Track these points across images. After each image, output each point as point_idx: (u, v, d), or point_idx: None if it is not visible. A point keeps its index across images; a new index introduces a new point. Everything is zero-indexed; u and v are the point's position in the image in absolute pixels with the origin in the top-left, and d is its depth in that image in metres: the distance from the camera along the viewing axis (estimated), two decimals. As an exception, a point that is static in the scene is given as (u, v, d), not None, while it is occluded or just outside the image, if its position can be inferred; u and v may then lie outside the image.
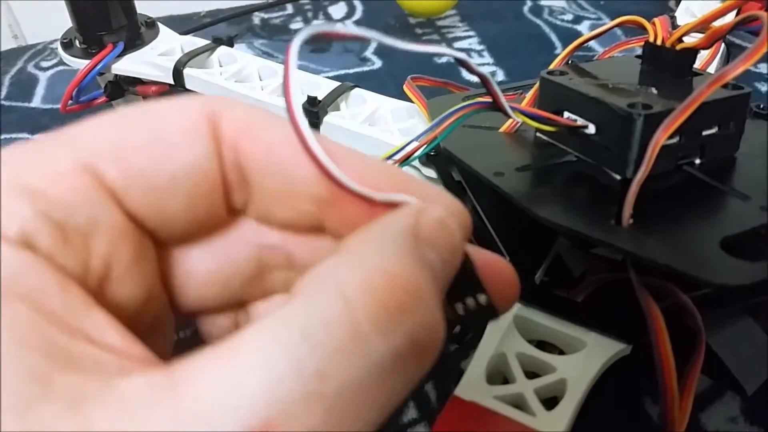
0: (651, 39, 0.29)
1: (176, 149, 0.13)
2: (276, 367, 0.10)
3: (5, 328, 0.10)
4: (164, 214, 0.13)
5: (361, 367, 0.10)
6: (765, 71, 0.54)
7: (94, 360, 0.10)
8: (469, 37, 0.63)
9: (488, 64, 0.58)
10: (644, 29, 0.30)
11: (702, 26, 0.29)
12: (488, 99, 0.23)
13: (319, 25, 0.13)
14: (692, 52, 0.29)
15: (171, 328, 0.15)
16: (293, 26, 0.67)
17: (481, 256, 0.14)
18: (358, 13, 0.70)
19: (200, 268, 0.15)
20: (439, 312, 0.11)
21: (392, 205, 0.13)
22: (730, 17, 0.33)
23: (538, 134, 0.29)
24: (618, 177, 0.25)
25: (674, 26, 0.39)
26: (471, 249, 0.14)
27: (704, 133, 0.26)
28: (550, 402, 0.23)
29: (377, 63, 0.59)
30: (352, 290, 0.10)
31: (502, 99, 0.22)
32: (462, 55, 0.16)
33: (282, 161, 0.13)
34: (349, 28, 0.14)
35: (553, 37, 0.62)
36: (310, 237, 0.15)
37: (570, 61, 0.33)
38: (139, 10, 0.46)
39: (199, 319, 0.16)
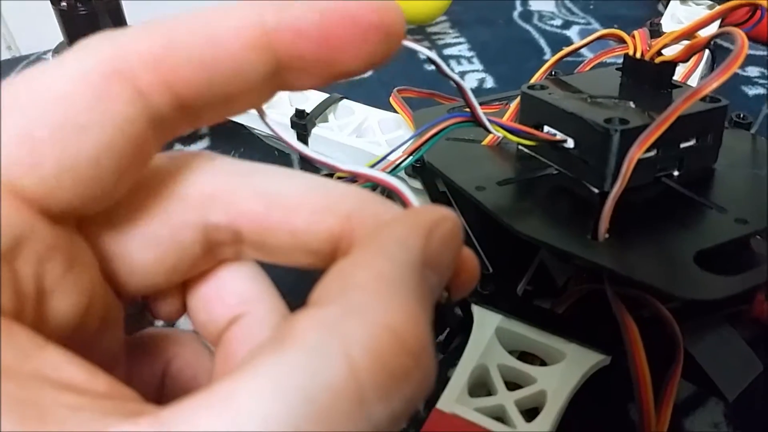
0: (630, 52, 0.30)
1: (92, 128, 0.11)
2: (273, 428, 0.09)
3: None
4: (94, 193, 0.12)
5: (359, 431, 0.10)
6: (753, 75, 0.55)
7: (67, 407, 0.09)
8: (460, 43, 0.63)
9: (478, 70, 0.58)
10: (624, 42, 0.31)
11: (682, 38, 0.29)
12: (469, 112, 0.23)
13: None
14: (671, 65, 0.29)
15: (120, 316, 0.14)
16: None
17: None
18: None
19: (144, 259, 0.14)
20: (434, 356, 0.11)
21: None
22: (711, 28, 0.33)
23: (519, 147, 0.29)
24: (596, 190, 0.26)
25: (659, 33, 0.40)
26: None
27: (682, 145, 0.26)
28: (531, 413, 0.24)
29: (368, 71, 0.59)
30: (358, 351, 0.10)
31: (479, 109, 0.22)
32: (435, 57, 0.16)
33: (212, 56, 0.12)
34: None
35: (543, 43, 0.63)
36: (261, 209, 0.14)
37: (553, 73, 0.34)
38: (130, 20, 0.46)
39: (149, 299, 0.15)
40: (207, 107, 0.13)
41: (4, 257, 0.11)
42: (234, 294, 0.15)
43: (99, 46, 0.12)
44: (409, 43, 0.14)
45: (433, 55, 0.16)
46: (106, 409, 0.10)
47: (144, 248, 0.14)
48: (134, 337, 0.16)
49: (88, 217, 0.13)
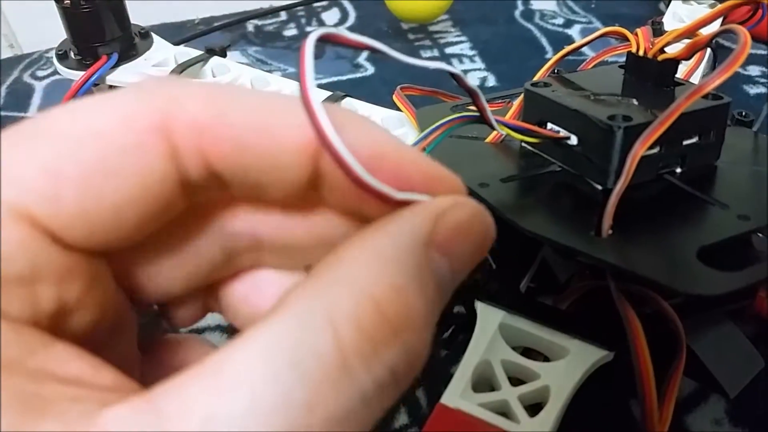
0: (633, 50, 0.30)
1: (118, 176, 0.11)
2: (263, 397, 0.09)
3: None
4: (112, 239, 0.12)
5: (346, 397, 0.10)
6: (754, 74, 0.55)
7: (69, 399, 0.10)
8: (461, 42, 0.63)
9: (480, 69, 0.58)
10: (627, 40, 0.31)
11: (684, 35, 0.29)
12: (475, 112, 0.23)
13: (328, 29, 0.12)
14: (674, 62, 0.29)
15: (133, 323, 0.14)
16: (287, 33, 0.68)
17: (423, 167, 0.13)
18: (351, 19, 0.71)
19: (163, 267, 0.14)
20: (426, 337, 0.11)
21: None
22: (713, 26, 0.33)
23: (523, 144, 0.29)
24: (599, 187, 0.26)
25: (660, 32, 0.40)
26: (413, 156, 0.13)
27: (684, 142, 0.26)
28: (535, 408, 0.24)
29: (370, 69, 0.59)
30: (341, 319, 0.10)
31: (489, 113, 0.23)
32: (456, 70, 0.16)
33: (259, 152, 0.12)
34: (357, 36, 0.13)
35: (544, 42, 0.63)
36: (279, 216, 0.14)
37: (556, 71, 0.34)
38: (133, 18, 0.46)
39: (165, 307, 0.15)
40: (238, 187, 0.13)
41: (22, 281, 0.11)
42: (271, 283, 0.15)
43: (152, 93, 0.12)
44: (423, 63, 0.15)
45: (456, 70, 0.16)
46: (108, 400, 0.10)
47: (162, 258, 0.14)
48: (145, 345, 0.16)
49: None
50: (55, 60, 0.45)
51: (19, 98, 0.57)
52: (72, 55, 0.44)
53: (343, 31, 0.13)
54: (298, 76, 0.12)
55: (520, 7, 0.71)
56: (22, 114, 0.55)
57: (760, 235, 0.26)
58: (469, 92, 0.19)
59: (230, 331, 0.33)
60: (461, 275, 0.12)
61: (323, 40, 0.12)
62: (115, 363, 0.12)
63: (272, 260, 0.15)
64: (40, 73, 0.62)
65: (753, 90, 0.53)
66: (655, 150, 0.25)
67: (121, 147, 0.11)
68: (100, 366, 0.11)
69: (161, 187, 0.12)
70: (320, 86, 0.46)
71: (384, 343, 0.11)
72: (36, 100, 0.57)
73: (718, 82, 0.23)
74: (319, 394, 0.10)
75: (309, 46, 0.12)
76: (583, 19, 0.67)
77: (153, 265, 0.14)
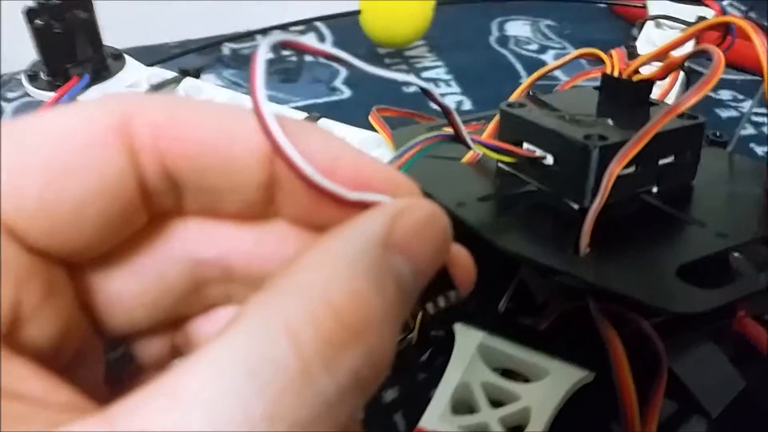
0: (608, 71, 0.30)
1: (79, 172, 0.11)
2: (222, 410, 0.09)
3: None
4: (73, 242, 0.12)
5: (309, 405, 0.10)
6: (725, 98, 0.56)
7: (18, 417, 0.09)
8: (437, 67, 0.64)
9: (456, 93, 0.58)
10: (602, 61, 0.31)
11: (658, 57, 0.29)
12: (451, 131, 0.23)
13: (284, 34, 0.13)
14: (648, 83, 0.29)
15: (99, 355, 0.14)
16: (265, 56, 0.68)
17: (380, 172, 0.13)
18: (328, 43, 0.71)
19: (125, 290, 0.13)
20: (389, 339, 0.11)
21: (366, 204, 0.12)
22: (687, 47, 0.34)
23: (499, 164, 0.29)
24: (576, 206, 0.26)
25: (634, 55, 0.40)
26: None
27: (660, 162, 0.27)
28: (516, 430, 0.23)
29: (346, 92, 0.59)
30: (298, 324, 0.10)
31: (464, 131, 0.22)
32: (427, 86, 0.16)
33: (215, 154, 0.12)
34: (316, 43, 0.13)
35: (519, 67, 0.64)
36: (250, 244, 0.14)
37: (531, 92, 0.34)
38: (108, 40, 0.46)
39: (131, 341, 0.15)
40: (194, 193, 0.13)
41: None
42: None
43: (112, 100, 0.12)
44: (395, 75, 0.15)
45: (427, 85, 0.16)
46: (61, 420, 0.09)
47: (125, 279, 0.13)
48: (113, 382, 0.15)
49: None
50: (24, 80, 0.44)
51: (-12, 121, 0.56)
52: (42, 75, 0.44)
53: (299, 38, 0.13)
54: (249, 87, 0.12)
55: (495, 33, 0.72)
56: (-10, 137, 0.54)
57: (737, 254, 0.26)
58: (442, 108, 0.18)
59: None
60: (424, 276, 0.12)
61: (282, 47, 0.13)
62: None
63: (244, 294, 0.14)
64: (9, 95, 0.61)
65: (725, 113, 0.54)
66: (632, 169, 0.25)
67: (81, 145, 0.12)
68: (57, 384, 0.10)
69: (120, 187, 0.12)
70: (296, 108, 0.46)
71: (344, 347, 0.10)
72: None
73: (693, 101, 0.23)
74: (280, 405, 0.09)
75: (262, 52, 0.12)
76: (557, 45, 0.68)
77: (116, 286, 0.13)
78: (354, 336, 0.10)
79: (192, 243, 0.14)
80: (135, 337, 0.15)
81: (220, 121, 0.12)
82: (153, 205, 0.13)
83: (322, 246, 0.11)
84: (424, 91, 0.17)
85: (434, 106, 0.45)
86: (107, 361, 0.14)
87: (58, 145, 0.11)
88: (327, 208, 0.13)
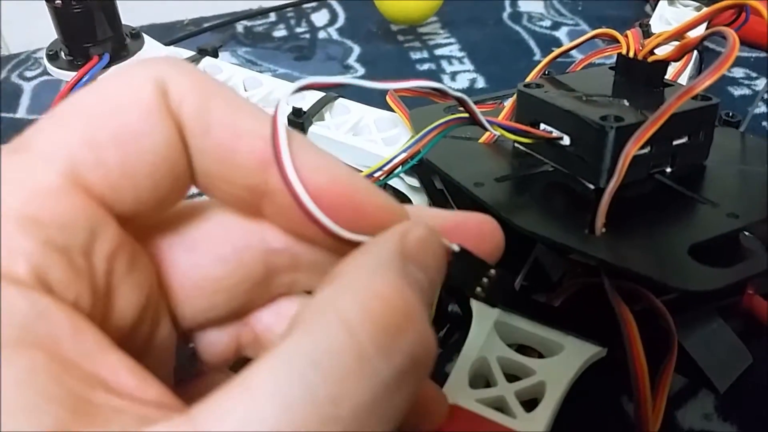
0: (623, 51, 0.30)
1: (147, 137, 0.12)
2: (291, 398, 0.10)
3: (25, 379, 0.09)
4: (152, 203, 0.13)
5: (369, 387, 0.11)
6: (738, 76, 0.56)
7: (114, 410, 0.10)
8: (450, 44, 0.64)
9: (469, 70, 0.59)
10: (618, 41, 0.31)
11: (673, 38, 0.30)
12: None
13: (307, 80, 0.14)
14: (663, 63, 0.30)
15: (172, 345, 0.15)
16: (276, 34, 0.68)
17: (464, 218, 0.15)
18: (341, 21, 0.71)
19: (209, 275, 0.15)
20: (430, 326, 0.12)
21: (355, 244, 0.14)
22: (701, 29, 0.34)
23: (516, 145, 0.30)
24: (592, 186, 0.26)
25: (648, 33, 0.41)
26: (456, 213, 0.16)
27: (674, 142, 0.27)
28: (530, 404, 0.24)
29: (360, 70, 0.59)
30: (352, 317, 0.11)
31: (480, 116, 0.23)
32: (440, 86, 0.17)
33: (219, 141, 0.13)
34: (331, 78, 0.14)
35: (532, 44, 0.64)
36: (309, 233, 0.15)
37: (547, 72, 0.35)
38: (123, 19, 0.46)
39: (199, 337, 0.16)
40: (198, 172, 0.14)
41: (84, 251, 0.12)
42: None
43: (151, 64, 0.13)
44: (409, 84, 0.16)
45: (439, 85, 0.17)
46: (150, 415, 0.10)
47: (210, 265, 0.15)
48: (180, 383, 0.16)
49: (156, 233, 0.14)
50: (45, 60, 0.45)
51: (8, 99, 0.57)
52: (63, 55, 0.44)
53: (316, 78, 0.14)
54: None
55: (508, 9, 0.71)
56: (11, 115, 0.55)
57: (747, 234, 0.27)
58: (458, 101, 0.19)
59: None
60: (435, 285, 0.14)
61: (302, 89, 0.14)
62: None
63: (307, 282, 0.16)
64: (28, 74, 0.61)
65: (737, 92, 0.54)
66: (647, 150, 0.26)
67: (141, 112, 0.12)
68: (148, 380, 0.11)
69: (178, 145, 0.13)
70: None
71: (397, 331, 0.11)
72: (25, 100, 0.57)
73: (708, 82, 0.23)
74: (342, 388, 0.10)
75: (282, 107, 0.13)
76: (570, 21, 0.68)
77: (201, 271, 0.15)
78: (405, 321, 0.11)
79: (265, 233, 0.15)
80: (204, 331, 0.16)
81: (237, 113, 0.13)
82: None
83: (356, 259, 0.13)
84: (439, 91, 0.17)
85: (447, 84, 0.45)
86: (176, 365, 0.15)
87: (119, 114, 0.12)
88: (312, 233, 0.14)
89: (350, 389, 0.10)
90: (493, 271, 0.15)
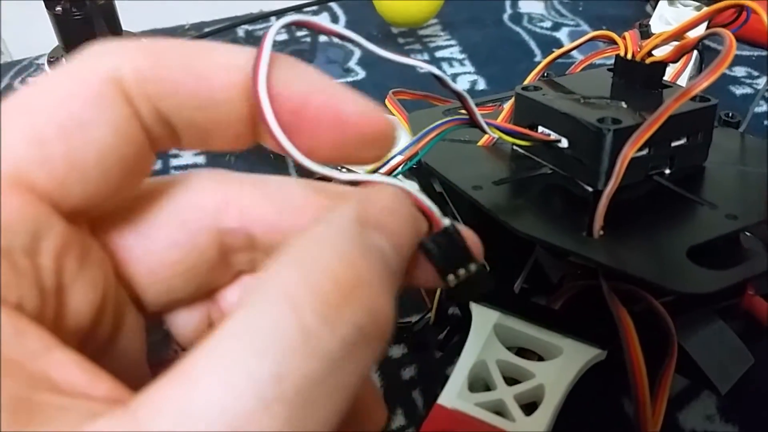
0: (621, 53, 0.30)
1: (93, 126, 0.12)
2: (232, 381, 0.10)
3: None
4: (101, 195, 0.13)
5: (314, 361, 0.10)
6: (740, 75, 0.56)
7: (58, 408, 0.10)
8: (451, 46, 0.64)
9: (470, 72, 0.59)
10: (616, 43, 0.31)
11: (671, 39, 0.30)
12: (466, 114, 0.24)
13: (299, 16, 0.14)
14: (661, 65, 0.30)
15: (140, 333, 0.15)
16: (277, 38, 0.68)
17: (358, 106, 0.14)
18: (341, 24, 0.71)
19: (163, 262, 0.14)
20: (386, 295, 0.12)
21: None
22: (701, 29, 0.34)
23: (514, 147, 0.30)
24: (590, 189, 0.26)
25: (647, 35, 0.41)
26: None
27: (673, 144, 0.27)
28: (530, 407, 0.24)
29: (361, 73, 0.59)
30: (295, 291, 0.11)
31: (479, 116, 0.23)
32: (439, 73, 0.17)
33: (196, 92, 0.13)
34: (331, 24, 0.14)
35: (533, 45, 0.64)
36: (270, 216, 0.15)
37: (546, 74, 0.34)
38: (124, 24, 0.47)
39: (170, 319, 0.16)
40: (186, 132, 0.14)
41: (27, 251, 0.11)
42: None
43: (96, 54, 0.13)
44: (409, 61, 0.15)
45: (439, 72, 0.17)
46: (98, 410, 0.10)
47: (163, 251, 0.14)
48: (156, 365, 0.16)
49: (108, 223, 0.14)
50: (46, 67, 0.45)
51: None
52: (64, 61, 0.45)
53: (306, 18, 0.14)
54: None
55: (509, 10, 0.71)
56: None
57: (748, 234, 0.27)
58: (456, 95, 0.19)
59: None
60: (403, 249, 0.13)
61: (296, 27, 0.14)
62: (119, 372, 0.13)
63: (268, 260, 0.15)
64: (30, 80, 0.62)
65: (739, 90, 0.54)
66: (645, 152, 0.26)
67: (87, 100, 0.12)
68: (98, 375, 0.11)
69: (130, 132, 0.13)
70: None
71: (342, 303, 0.11)
72: (27, 107, 0.57)
73: (705, 84, 0.23)
74: (285, 365, 0.10)
75: (274, 29, 0.13)
76: (571, 22, 0.68)
77: (154, 258, 0.14)
78: (350, 292, 0.11)
79: (218, 214, 0.15)
80: (174, 313, 0.16)
81: (197, 59, 0.13)
82: (158, 144, 0.14)
83: (307, 231, 0.12)
84: (438, 79, 0.17)
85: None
86: (150, 343, 0.15)
87: (66, 105, 0.12)
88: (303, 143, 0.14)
89: (293, 365, 0.10)
90: (473, 266, 0.15)
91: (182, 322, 0.16)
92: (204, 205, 0.15)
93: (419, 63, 0.16)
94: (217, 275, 0.15)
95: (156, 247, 0.14)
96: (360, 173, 0.15)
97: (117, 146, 0.12)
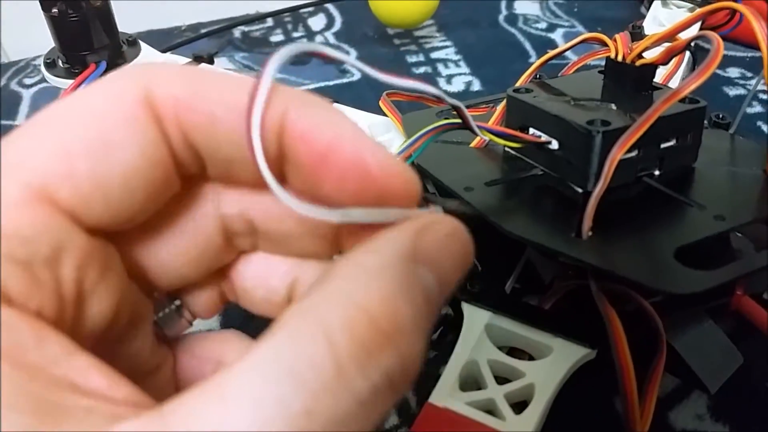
0: (612, 55, 0.30)
1: (121, 147, 0.12)
2: (265, 407, 0.10)
3: None
4: (125, 213, 0.13)
5: (343, 403, 0.11)
6: (733, 75, 0.56)
7: (83, 410, 0.10)
8: (446, 47, 0.64)
9: (465, 73, 0.59)
10: (606, 45, 0.31)
11: (662, 40, 0.30)
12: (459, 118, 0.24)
13: (304, 44, 0.13)
14: (651, 67, 0.30)
15: (147, 314, 0.15)
16: (273, 39, 0.68)
17: (380, 159, 0.13)
18: (337, 25, 0.71)
19: (174, 252, 0.15)
20: (419, 343, 0.12)
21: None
22: (693, 29, 0.34)
23: (506, 149, 0.30)
24: (580, 190, 0.26)
25: (640, 36, 0.41)
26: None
27: (662, 145, 0.27)
28: (520, 406, 0.24)
29: (357, 74, 0.60)
30: (334, 328, 0.11)
31: (473, 123, 0.23)
32: (436, 91, 0.17)
33: (227, 127, 0.13)
34: (334, 51, 0.14)
35: (528, 46, 0.64)
36: (268, 203, 0.15)
37: (538, 76, 0.35)
38: (120, 25, 0.47)
39: (182, 296, 0.16)
40: (212, 161, 0.14)
41: (47, 263, 0.12)
42: (281, 263, 0.16)
43: (134, 75, 0.13)
44: (411, 85, 0.15)
45: (438, 93, 0.17)
46: (121, 414, 0.10)
47: (170, 244, 0.15)
48: (181, 342, 0.17)
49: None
50: (43, 68, 0.45)
51: (8, 106, 0.58)
52: (60, 63, 0.45)
53: (322, 47, 0.14)
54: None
55: (504, 11, 0.72)
56: (10, 122, 0.55)
57: (738, 234, 0.27)
58: (453, 108, 0.19)
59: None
60: (448, 287, 0.13)
61: (298, 57, 0.13)
62: (132, 356, 0.14)
63: (268, 247, 0.16)
64: (27, 81, 0.62)
65: (732, 92, 0.54)
66: (634, 153, 0.26)
67: (117, 121, 0.12)
68: (117, 379, 0.11)
69: (157, 155, 0.13)
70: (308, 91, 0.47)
71: (377, 349, 0.11)
72: (24, 108, 0.57)
73: (692, 86, 0.24)
74: (316, 401, 0.10)
75: (284, 54, 0.13)
76: (566, 23, 0.68)
77: (166, 250, 0.15)
78: (387, 340, 0.11)
79: (219, 202, 0.15)
80: (186, 290, 0.16)
81: (233, 93, 0.13)
82: (183, 170, 0.14)
83: (354, 259, 0.12)
84: (436, 98, 0.18)
85: (443, 88, 0.45)
86: (160, 318, 0.16)
87: (96, 124, 0.12)
88: (329, 185, 0.13)
89: (325, 403, 0.10)
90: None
91: (194, 298, 0.17)
92: (204, 194, 0.15)
93: (421, 85, 0.16)
94: (225, 256, 0.16)
95: (164, 241, 0.15)
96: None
97: (143, 169, 0.13)
